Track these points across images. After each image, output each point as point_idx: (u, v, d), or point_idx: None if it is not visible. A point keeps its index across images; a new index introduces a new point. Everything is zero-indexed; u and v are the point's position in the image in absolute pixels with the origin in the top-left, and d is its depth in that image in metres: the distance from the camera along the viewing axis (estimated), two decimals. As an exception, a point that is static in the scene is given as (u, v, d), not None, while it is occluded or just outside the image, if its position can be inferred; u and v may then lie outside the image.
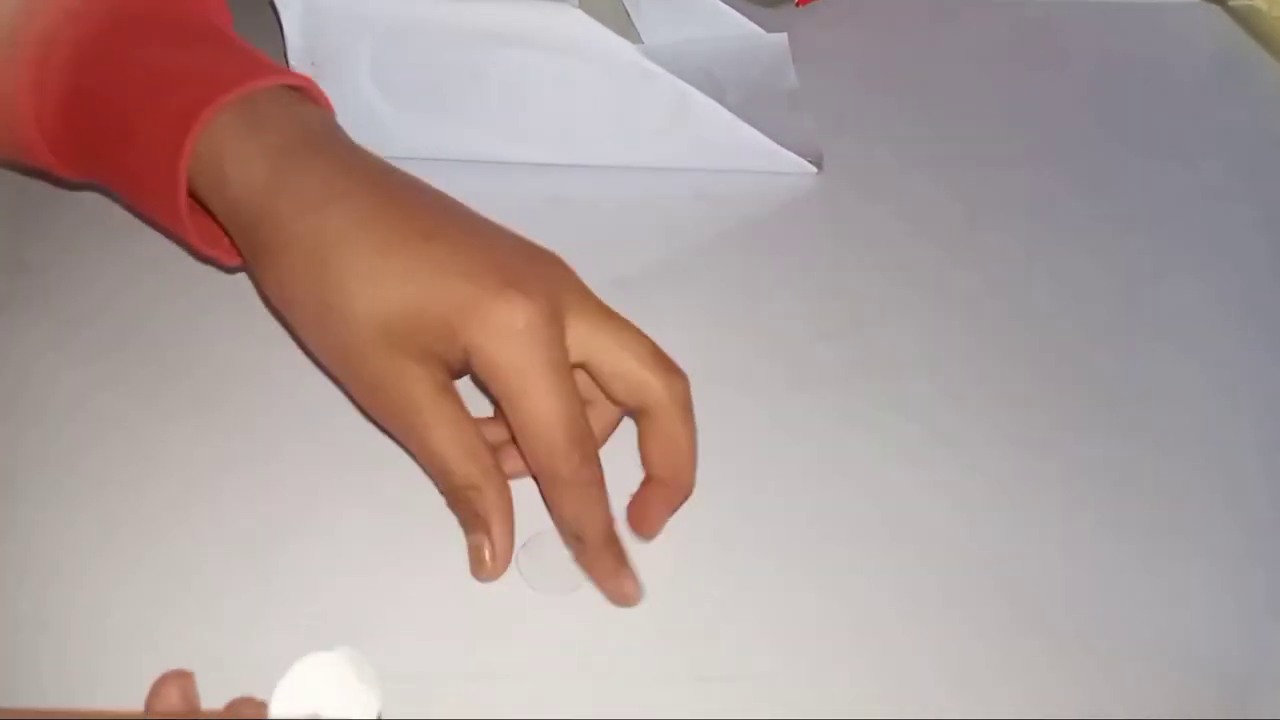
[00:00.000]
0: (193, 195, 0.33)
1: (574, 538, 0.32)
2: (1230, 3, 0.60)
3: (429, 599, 0.33)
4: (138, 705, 0.25)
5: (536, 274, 0.31)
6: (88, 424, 0.37)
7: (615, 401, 0.33)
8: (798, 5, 0.61)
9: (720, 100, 0.47)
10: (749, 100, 0.50)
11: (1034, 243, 0.46)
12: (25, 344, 0.39)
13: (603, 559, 0.32)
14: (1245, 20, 0.59)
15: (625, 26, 0.51)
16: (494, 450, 0.33)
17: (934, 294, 0.44)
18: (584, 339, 0.31)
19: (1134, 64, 0.57)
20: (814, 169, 0.48)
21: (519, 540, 0.33)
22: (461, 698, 0.30)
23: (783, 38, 0.54)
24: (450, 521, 0.33)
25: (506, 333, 0.30)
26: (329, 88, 0.43)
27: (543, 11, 0.43)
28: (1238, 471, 0.37)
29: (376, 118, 0.45)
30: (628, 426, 0.35)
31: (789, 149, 0.48)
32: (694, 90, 0.45)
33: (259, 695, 0.25)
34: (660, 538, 0.34)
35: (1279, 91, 0.56)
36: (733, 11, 0.53)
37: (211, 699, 0.26)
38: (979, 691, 0.31)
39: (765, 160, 0.48)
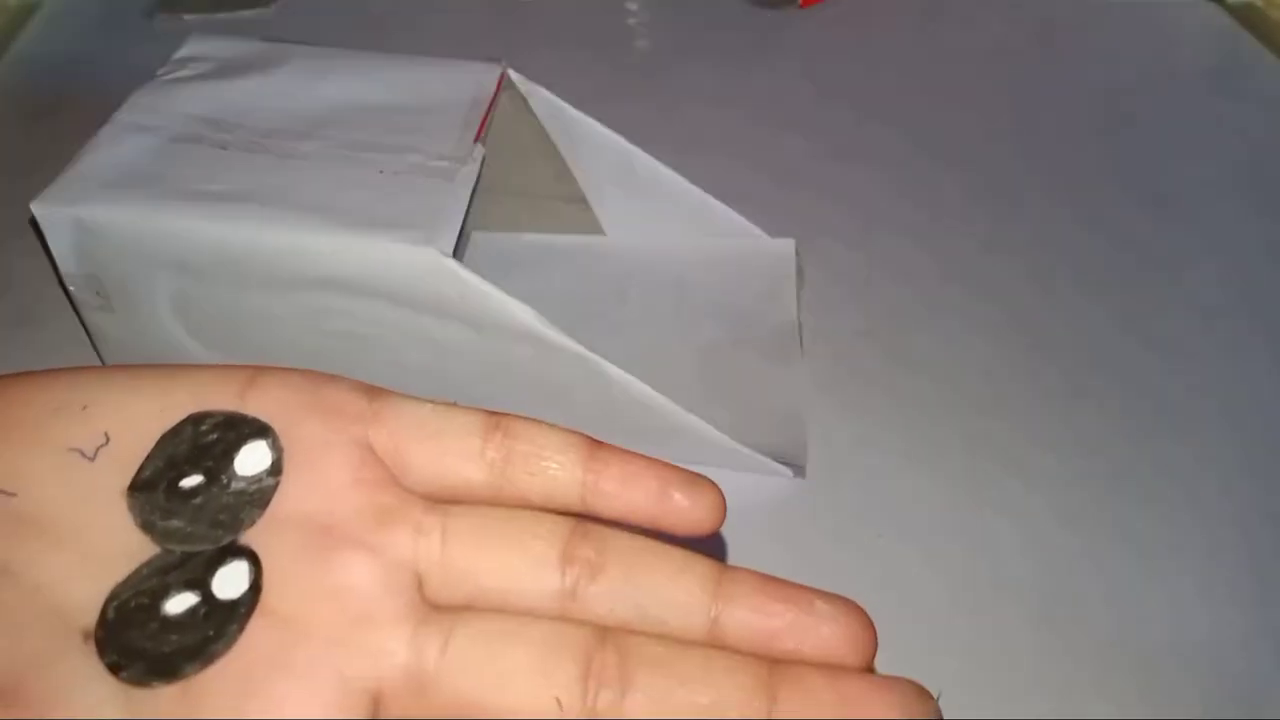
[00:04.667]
0: None
1: None
2: (1229, 1, 0.61)
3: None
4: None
5: None
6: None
7: None
8: (802, 6, 0.61)
9: (691, 333, 0.40)
10: (727, 341, 0.40)
11: (1033, 243, 0.46)
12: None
13: None
14: (1245, 18, 0.60)
15: (581, 214, 0.43)
16: None
17: (951, 290, 0.44)
18: None
19: (1134, 64, 0.58)
20: (789, 474, 0.37)
21: None
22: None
23: (789, 246, 0.43)
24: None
25: None
26: (122, 320, 0.36)
27: (393, 257, 0.32)
28: (1242, 469, 0.38)
29: (189, 358, 0.36)
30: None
31: (761, 443, 0.36)
32: (612, 370, 0.34)
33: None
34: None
35: (1279, 90, 0.56)
36: (725, 208, 0.43)
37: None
38: (989, 691, 0.31)
39: (721, 458, 0.35)
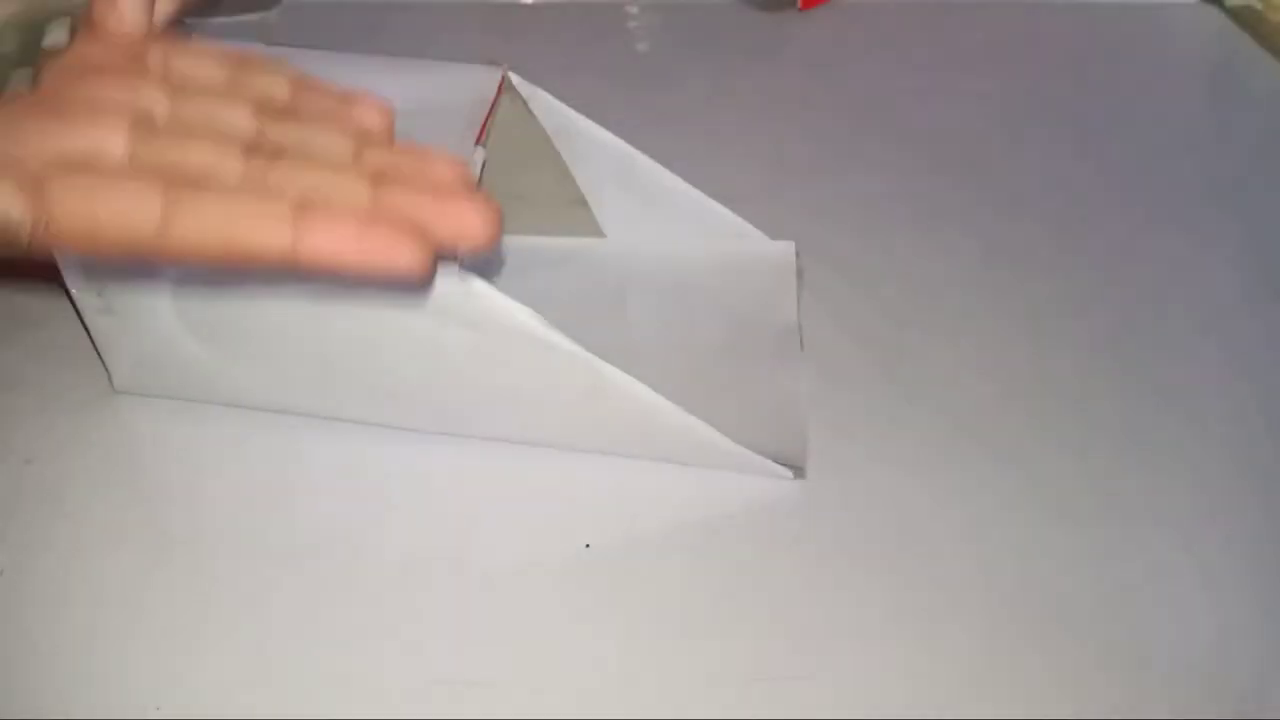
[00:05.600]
0: None
1: None
2: (1228, 3, 0.61)
3: (481, 600, 0.33)
4: None
5: None
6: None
7: None
8: (801, 9, 0.61)
9: (691, 336, 0.40)
10: (727, 342, 0.40)
11: (1033, 244, 0.47)
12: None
13: None
14: (1243, 20, 0.60)
15: (582, 217, 0.44)
16: None
17: (951, 291, 0.44)
18: None
19: (1134, 64, 0.58)
20: (789, 475, 0.37)
21: None
22: (523, 701, 0.31)
23: (789, 249, 0.43)
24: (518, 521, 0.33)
25: None
26: (124, 322, 0.36)
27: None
28: (1243, 470, 0.38)
29: (190, 362, 0.36)
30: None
31: (762, 445, 0.36)
32: (612, 372, 0.34)
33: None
34: (711, 544, 0.34)
35: (1278, 91, 0.56)
36: (726, 211, 0.43)
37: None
38: (989, 690, 0.31)
39: (722, 459, 0.36)
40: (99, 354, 0.38)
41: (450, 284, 0.32)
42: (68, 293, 0.36)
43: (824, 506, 0.36)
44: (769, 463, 0.36)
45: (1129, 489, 0.37)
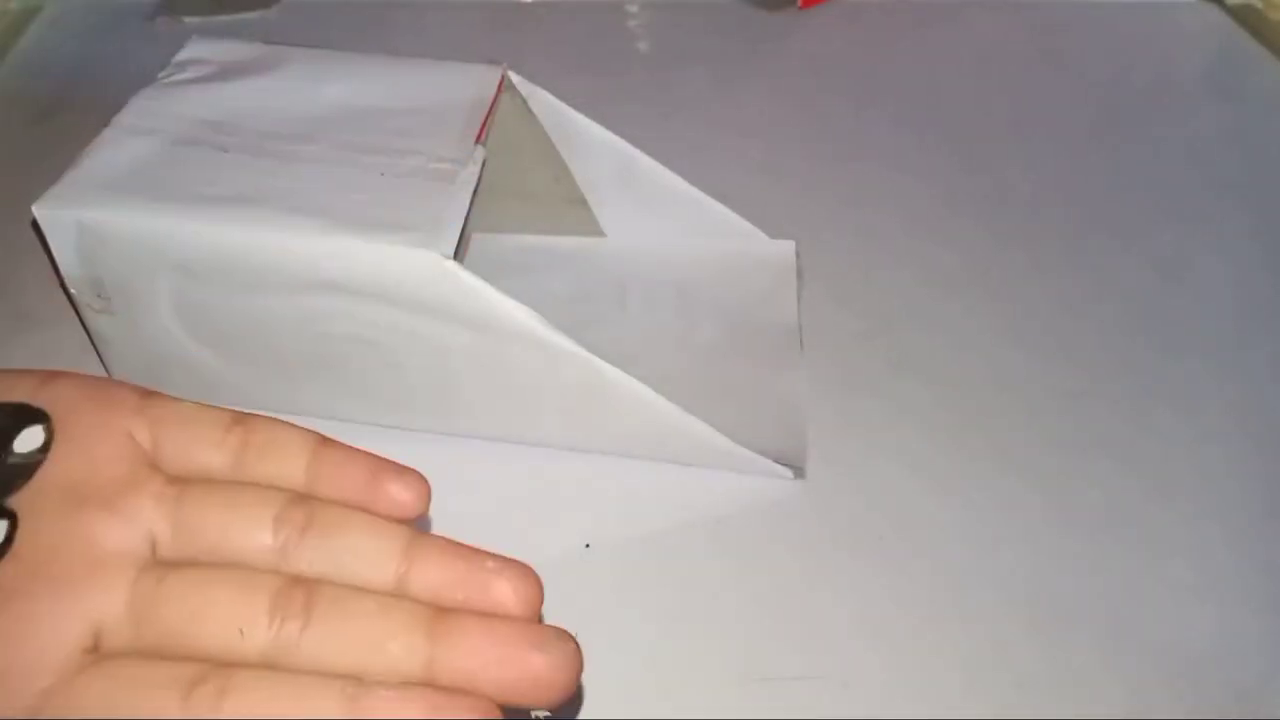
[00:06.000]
0: None
1: None
2: (1228, 2, 0.61)
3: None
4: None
5: None
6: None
7: None
8: (801, 7, 0.61)
9: (691, 335, 0.40)
10: (727, 342, 0.40)
11: (1034, 244, 0.47)
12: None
13: None
14: (1244, 19, 0.60)
15: (582, 217, 0.44)
16: None
17: (951, 290, 0.44)
18: None
19: (1134, 64, 0.58)
20: (789, 475, 0.37)
21: None
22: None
23: (789, 248, 0.44)
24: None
25: None
26: (124, 323, 0.35)
27: (394, 260, 0.32)
28: (1241, 469, 0.38)
29: (193, 365, 0.36)
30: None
31: (761, 445, 0.36)
32: (611, 371, 0.34)
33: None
34: (712, 543, 0.34)
35: (1278, 90, 0.56)
36: (725, 210, 0.43)
37: None
38: (989, 691, 0.32)
39: (721, 459, 0.36)
40: (99, 354, 0.38)
41: (449, 284, 0.32)
42: (67, 293, 0.36)
43: (824, 506, 0.36)
44: (769, 463, 0.36)
45: (1129, 488, 0.37)
